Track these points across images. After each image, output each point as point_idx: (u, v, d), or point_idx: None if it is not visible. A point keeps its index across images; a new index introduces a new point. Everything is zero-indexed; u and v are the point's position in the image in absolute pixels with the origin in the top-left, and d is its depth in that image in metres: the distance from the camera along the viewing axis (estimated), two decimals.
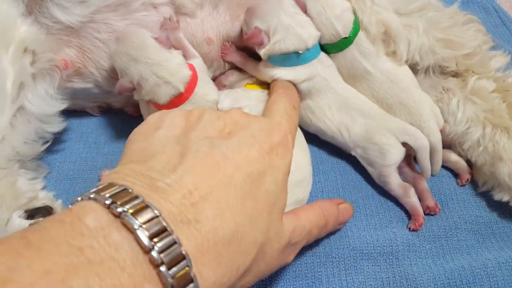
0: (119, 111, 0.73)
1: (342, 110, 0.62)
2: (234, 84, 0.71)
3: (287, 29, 0.61)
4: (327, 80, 0.63)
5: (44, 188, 0.63)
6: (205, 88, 0.62)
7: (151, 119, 0.42)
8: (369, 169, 0.61)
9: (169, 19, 0.64)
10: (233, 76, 0.72)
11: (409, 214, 0.59)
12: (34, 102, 0.62)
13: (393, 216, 0.59)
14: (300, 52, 0.61)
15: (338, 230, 0.57)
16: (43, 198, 0.59)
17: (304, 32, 0.61)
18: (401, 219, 0.59)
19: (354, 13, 0.63)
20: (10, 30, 0.61)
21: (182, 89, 0.59)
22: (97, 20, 0.64)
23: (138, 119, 0.73)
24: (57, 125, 0.65)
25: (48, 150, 0.65)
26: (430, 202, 0.59)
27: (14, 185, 0.58)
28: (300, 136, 0.62)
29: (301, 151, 0.60)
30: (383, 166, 0.59)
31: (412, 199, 0.58)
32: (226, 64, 0.72)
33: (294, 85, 0.63)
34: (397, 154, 0.59)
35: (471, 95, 0.64)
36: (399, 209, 0.60)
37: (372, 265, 0.54)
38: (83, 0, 0.63)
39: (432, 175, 0.61)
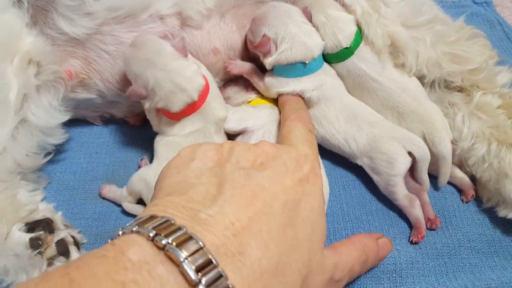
0: (121, 121, 0.74)
1: (349, 120, 0.63)
2: (234, 97, 0.71)
3: (294, 38, 0.62)
4: (335, 89, 0.64)
5: (44, 199, 0.64)
6: (216, 100, 0.63)
7: (184, 153, 0.43)
8: (376, 179, 0.62)
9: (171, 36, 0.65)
10: (232, 90, 0.73)
11: (411, 230, 0.59)
12: (37, 114, 0.63)
13: (396, 232, 0.59)
14: (307, 62, 0.62)
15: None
16: (43, 210, 0.60)
17: (310, 42, 0.62)
18: (405, 235, 0.59)
19: (358, 25, 0.64)
20: (15, 41, 0.62)
21: (196, 98, 0.60)
22: (103, 32, 0.65)
23: (139, 129, 0.74)
24: (59, 137, 0.65)
25: (48, 160, 0.66)
26: (431, 214, 0.59)
27: (15, 198, 0.59)
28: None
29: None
30: (391, 176, 0.60)
31: (417, 211, 0.59)
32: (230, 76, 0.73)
33: (303, 96, 0.64)
34: (404, 163, 0.59)
35: (476, 110, 0.65)
36: (402, 225, 0.60)
37: (376, 284, 0.54)
38: (89, 12, 0.64)
39: (439, 185, 0.62)
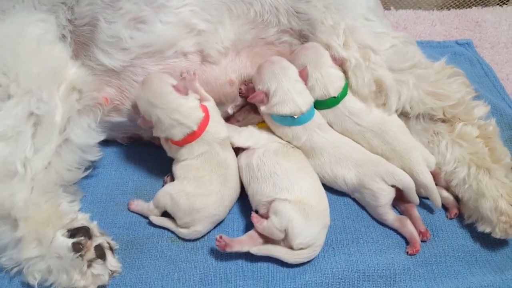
0: (147, 142, 0.85)
1: (339, 163, 0.75)
2: (247, 120, 0.84)
3: (286, 94, 0.75)
4: (326, 138, 0.76)
5: (80, 210, 0.74)
6: (217, 127, 0.75)
7: None
8: (368, 209, 0.75)
9: (187, 72, 0.78)
10: (245, 113, 0.85)
11: (405, 241, 0.71)
12: (78, 134, 0.74)
13: (391, 243, 0.71)
14: (295, 117, 0.75)
15: (345, 253, 0.67)
16: (82, 219, 0.70)
17: (300, 100, 0.75)
18: (398, 245, 0.70)
19: (347, 78, 0.78)
20: (62, 71, 0.74)
21: (195, 128, 0.72)
22: (135, 64, 0.78)
23: (163, 150, 0.85)
24: (95, 154, 0.77)
25: (83, 176, 0.76)
26: (422, 227, 0.71)
27: (58, 207, 0.69)
28: (310, 167, 0.75)
29: (315, 181, 0.72)
30: (378, 206, 0.72)
31: (409, 229, 0.70)
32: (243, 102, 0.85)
33: (294, 144, 0.75)
34: (387, 195, 0.71)
35: (458, 138, 0.78)
36: (396, 237, 0.72)
37: (373, 286, 0.65)
38: (125, 48, 0.77)
39: (435, 207, 0.73)
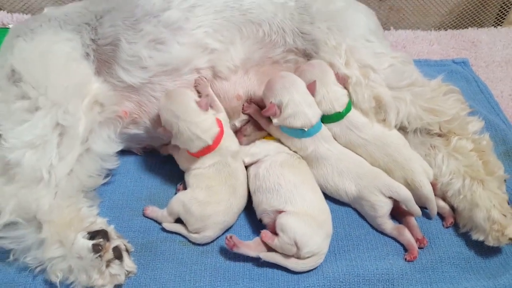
0: (159, 152, 0.91)
1: (341, 175, 0.80)
2: (252, 134, 0.90)
3: (297, 106, 0.81)
4: (330, 150, 0.82)
5: (98, 214, 0.79)
6: (229, 140, 0.81)
7: None
8: (367, 218, 0.80)
9: (200, 78, 0.85)
10: (251, 127, 0.91)
11: (403, 248, 0.76)
12: (98, 144, 0.81)
13: (389, 249, 0.75)
14: (305, 129, 0.81)
15: (346, 259, 0.71)
16: (100, 223, 0.76)
17: (310, 112, 0.81)
18: (397, 252, 0.75)
19: (350, 95, 0.84)
20: (86, 86, 0.82)
21: (211, 142, 0.78)
22: (154, 81, 0.85)
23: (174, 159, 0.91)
24: (113, 163, 0.83)
25: (103, 182, 0.82)
26: (419, 235, 0.76)
27: (80, 211, 0.75)
28: (313, 179, 0.80)
29: (316, 193, 0.78)
30: (376, 217, 0.77)
31: (407, 237, 0.75)
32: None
33: (301, 154, 0.81)
34: (385, 206, 0.76)
35: (453, 152, 0.83)
36: (395, 244, 0.77)
37: None
38: (144, 66, 0.84)
39: (431, 217, 0.79)
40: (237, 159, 0.81)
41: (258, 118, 0.88)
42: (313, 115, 0.81)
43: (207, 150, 0.78)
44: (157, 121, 0.85)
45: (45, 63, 0.78)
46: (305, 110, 0.80)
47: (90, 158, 0.79)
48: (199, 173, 0.79)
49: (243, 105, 0.88)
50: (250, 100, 0.89)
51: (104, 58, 0.85)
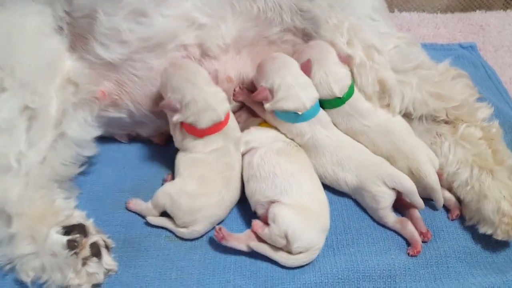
0: (145, 139, 0.84)
1: (340, 164, 0.75)
2: (247, 121, 0.83)
3: (289, 89, 0.75)
4: (329, 137, 0.76)
5: (76, 207, 0.73)
6: (234, 122, 0.75)
7: None
8: (368, 211, 0.75)
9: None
10: (245, 114, 0.85)
11: (405, 242, 0.71)
12: (74, 128, 0.74)
13: (391, 243, 0.71)
14: (299, 113, 0.75)
15: (345, 254, 0.67)
16: (77, 216, 0.69)
17: (304, 95, 0.75)
18: (399, 246, 0.71)
19: (353, 76, 0.78)
20: (58, 63, 0.74)
21: (223, 118, 0.72)
22: (135, 58, 0.78)
23: (162, 147, 0.85)
24: (91, 150, 0.76)
25: (80, 172, 0.76)
26: (423, 228, 0.71)
27: (53, 203, 0.69)
28: (311, 168, 0.75)
29: (314, 183, 0.72)
30: (378, 209, 0.72)
31: (410, 230, 0.71)
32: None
33: (297, 142, 0.75)
34: (388, 198, 0.71)
35: (461, 140, 0.78)
36: (397, 238, 0.72)
37: (373, 287, 0.65)
38: (124, 41, 0.76)
39: (437, 208, 0.74)
40: (238, 148, 0.75)
41: (251, 105, 0.81)
42: (307, 97, 0.75)
43: (217, 127, 0.72)
44: (148, 104, 0.77)
45: (10, 38, 0.70)
46: (298, 93, 0.74)
47: (65, 144, 0.72)
48: (197, 158, 0.73)
49: (234, 90, 0.81)
50: (242, 86, 0.82)
51: (79, 32, 0.77)
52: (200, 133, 0.72)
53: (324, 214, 0.69)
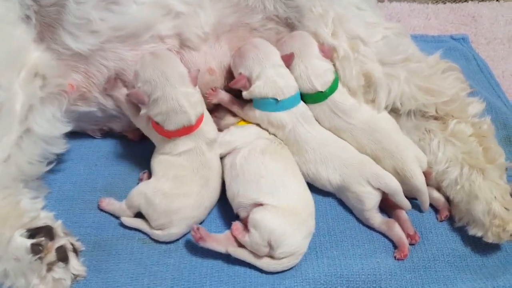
0: (119, 135, 0.80)
1: (324, 163, 0.72)
2: (225, 118, 0.79)
3: (268, 78, 0.72)
4: (311, 132, 0.73)
5: (44, 208, 0.69)
6: (208, 125, 0.71)
7: None
8: (354, 211, 0.72)
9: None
10: (224, 109, 0.80)
11: (392, 244, 0.68)
12: (41, 124, 0.69)
13: (377, 246, 0.68)
14: (278, 99, 0.72)
15: (328, 257, 0.64)
16: (44, 217, 0.65)
17: (283, 83, 0.72)
18: (385, 249, 0.68)
19: (336, 71, 0.75)
20: (23, 55, 0.69)
21: (194, 123, 0.68)
22: (106, 49, 0.73)
23: (138, 144, 0.80)
24: (61, 147, 0.72)
25: (49, 170, 0.72)
26: (410, 230, 0.68)
27: (18, 204, 0.64)
28: (295, 166, 0.71)
29: (300, 182, 0.69)
30: (364, 210, 0.69)
31: (397, 232, 0.68)
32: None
33: (279, 137, 0.72)
34: (373, 199, 0.68)
35: (451, 137, 0.75)
36: (383, 240, 0.69)
37: None
38: (94, 30, 0.72)
39: (422, 211, 0.71)
40: (213, 147, 0.71)
41: (228, 106, 0.77)
42: (285, 85, 0.72)
43: (186, 130, 0.67)
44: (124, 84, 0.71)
45: None
46: (276, 80, 0.72)
47: (31, 141, 0.68)
48: (167, 160, 0.69)
49: (206, 92, 0.76)
50: (215, 88, 0.78)
51: (47, 21, 0.72)
52: (166, 134, 0.68)
53: (309, 217, 0.66)
